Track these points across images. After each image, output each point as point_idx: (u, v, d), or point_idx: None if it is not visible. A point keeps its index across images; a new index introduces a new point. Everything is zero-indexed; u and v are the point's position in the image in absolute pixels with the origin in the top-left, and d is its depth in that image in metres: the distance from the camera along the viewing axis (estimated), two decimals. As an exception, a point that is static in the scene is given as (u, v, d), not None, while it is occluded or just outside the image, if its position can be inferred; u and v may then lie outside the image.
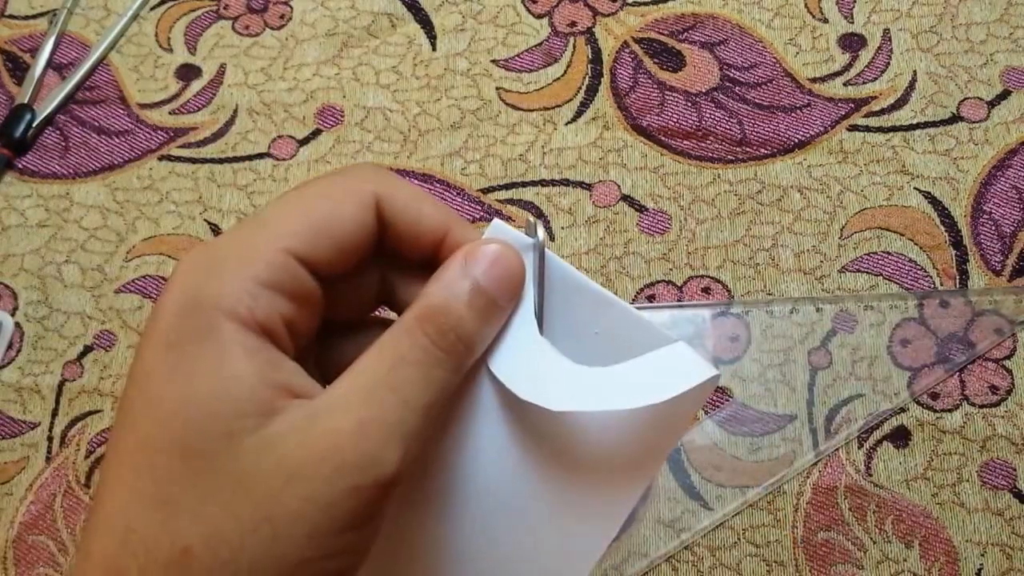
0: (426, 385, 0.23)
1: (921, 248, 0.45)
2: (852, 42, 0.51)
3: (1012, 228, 0.45)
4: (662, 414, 0.26)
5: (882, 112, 0.48)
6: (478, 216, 0.48)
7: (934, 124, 0.48)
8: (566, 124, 0.50)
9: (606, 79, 0.51)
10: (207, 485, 0.21)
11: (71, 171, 0.51)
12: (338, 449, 0.21)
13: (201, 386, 0.21)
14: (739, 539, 0.40)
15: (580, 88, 0.51)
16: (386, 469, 0.22)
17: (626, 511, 0.27)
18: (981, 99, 0.48)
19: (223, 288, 0.22)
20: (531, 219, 0.33)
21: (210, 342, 0.21)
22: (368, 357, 0.23)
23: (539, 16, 0.53)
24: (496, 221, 0.27)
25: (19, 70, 0.54)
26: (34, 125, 0.51)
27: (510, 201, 0.48)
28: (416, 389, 0.23)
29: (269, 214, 0.24)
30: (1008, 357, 0.42)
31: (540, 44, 0.53)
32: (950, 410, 0.41)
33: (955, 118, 0.48)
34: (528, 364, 0.26)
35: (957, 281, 0.44)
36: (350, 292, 0.26)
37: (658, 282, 0.45)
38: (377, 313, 0.29)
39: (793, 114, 0.49)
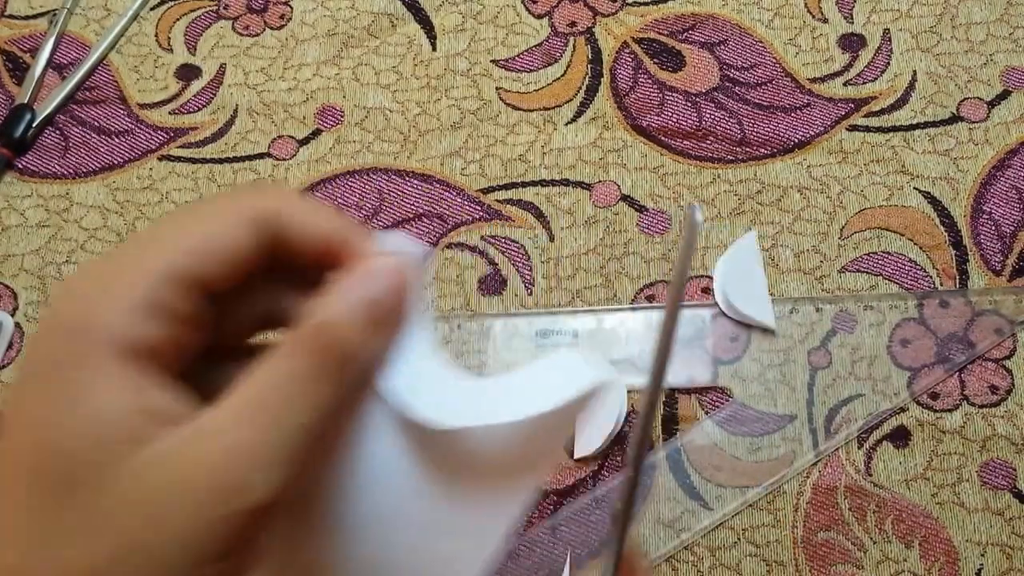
0: (305, 405, 0.22)
1: (921, 248, 0.45)
2: (852, 42, 0.51)
3: (1012, 228, 0.45)
4: (551, 419, 0.25)
5: (882, 112, 0.48)
6: (478, 216, 0.48)
7: (934, 124, 0.48)
8: (566, 124, 0.50)
9: (606, 79, 0.51)
10: (72, 519, 0.20)
11: (71, 171, 0.51)
12: (204, 477, 0.21)
13: (70, 415, 0.20)
14: (739, 539, 0.40)
15: (580, 88, 0.51)
16: (256, 495, 0.21)
17: (513, 519, 0.27)
18: (981, 99, 0.48)
19: (98, 312, 0.21)
20: (686, 205, 0.32)
21: (82, 369, 0.21)
22: (247, 378, 0.22)
23: (539, 16, 0.53)
24: (386, 233, 0.26)
25: (19, 70, 0.54)
26: (34, 125, 0.51)
27: (510, 201, 0.48)
28: (293, 410, 0.22)
29: (147, 235, 0.23)
30: (1008, 357, 0.42)
31: (540, 44, 0.53)
32: (950, 410, 0.41)
33: (955, 118, 0.48)
34: (416, 381, 0.25)
35: (957, 281, 0.44)
36: (240, 313, 0.25)
37: (658, 282, 0.45)
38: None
39: (793, 114, 0.49)
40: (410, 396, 0.25)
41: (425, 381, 0.25)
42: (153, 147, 0.51)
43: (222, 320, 0.25)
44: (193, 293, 0.23)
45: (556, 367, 0.26)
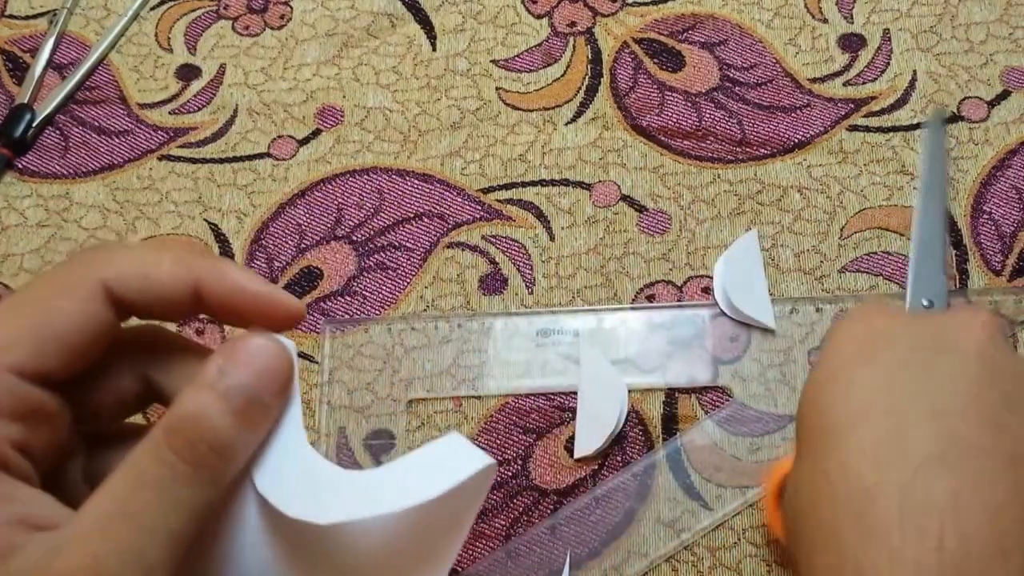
0: (171, 508, 0.21)
1: (921, 248, 0.45)
2: (852, 42, 0.51)
3: (1012, 228, 0.45)
4: (438, 508, 0.24)
5: (882, 112, 0.48)
6: (478, 216, 0.48)
7: (934, 124, 0.48)
8: (566, 124, 0.50)
9: (606, 79, 0.51)
10: None
11: (71, 171, 0.51)
12: None
13: None
14: (739, 539, 0.40)
15: (580, 88, 0.51)
16: None
17: None
18: (981, 99, 0.48)
19: None
20: (935, 109, 0.31)
21: None
22: (112, 479, 0.21)
23: (539, 16, 0.53)
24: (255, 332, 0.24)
25: (19, 70, 0.54)
26: (34, 125, 0.51)
27: (510, 201, 0.48)
28: (158, 514, 0.20)
29: None
30: (1008, 357, 0.42)
31: (540, 44, 0.53)
32: (950, 410, 0.41)
33: (955, 118, 0.48)
34: (293, 474, 0.23)
35: (957, 281, 0.44)
36: (105, 396, 0.24)
37: (658, 282, 0.45)
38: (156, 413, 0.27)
39: (793, 114, 0.49)
40: (287, 491, 0.23)
41: (302, 474, 0.23)
42: (153, 147, 0.51)
43: (85, 406, 0.23)
44: (38, 385, 0.22)
45: (435, 455, 0.24)
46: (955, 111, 0.48)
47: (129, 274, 0.23)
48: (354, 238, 0.47)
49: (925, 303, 0.39)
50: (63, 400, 0.23)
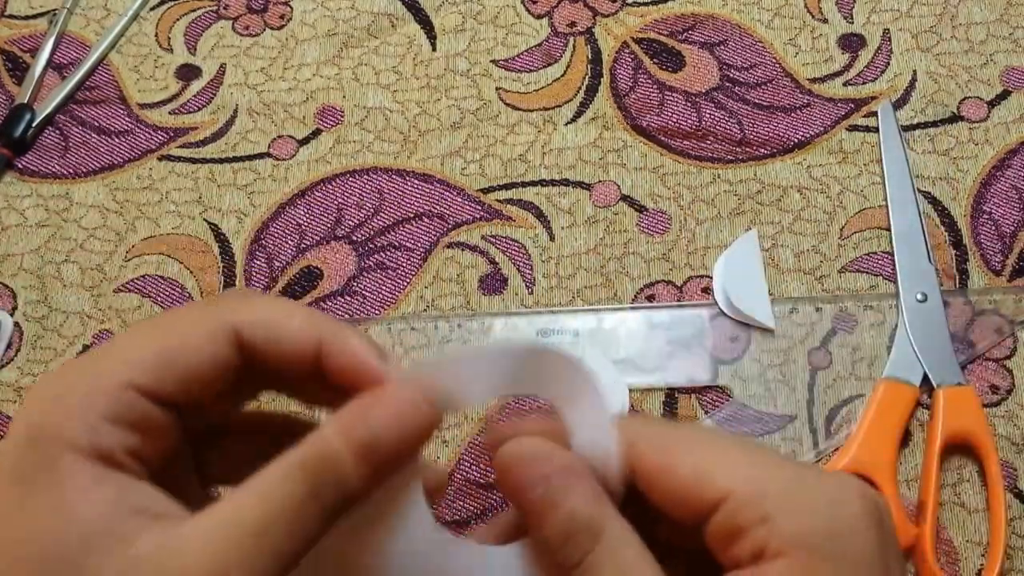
0: (292, 535, 0.22)
1: (921, 248, 0.45)
2: (852, 42, 0.51)
3: (1012, 228, 0.45)
4: None
5: (882, 112, 0.48)
6: (478, 216, 0.48)
7: (934, 124, 0.48)
8: (566, 124, 0.50)
9: (606, 79, 0.51)
10: None
11: (71, 171, 0.51)
12: None
13: (46, 521, 0.21)
14: (739, 539, 0.40)
15: (580, 88, 0.51)
16: None
17: None
18: (981, 99, 0.48)
19: (65, 421, 0.22)
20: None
21: (54, 475, 0.21)
22: (240, 493, 0.22)
23: (539, 16, 0.53)
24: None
25: (19, 70, 0.54)
26: (34, 125, 0.51)
27: (510, 201, 0.48)
28: (280, 538, 0.22)
29: (117, 344, 0.24)
30: (1008, 357, 0.42)
31: (540, 44, 0.53)
32: (950, 410, 0.41)
33: (955, 118, 0.48)
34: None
35: (957, 281, 0.44)
36: (220, 405, 0.26)
37: (658, 282, 0.45)
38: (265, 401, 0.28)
39: (793, 114, 0.49)
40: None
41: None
42: (153, 147, 0.51)
43: (199, 411, 0.24)
44: (157, 405, 0.23)
45: None
46: (955, 111, 0.48)
47: (260, 321, 0.24)
48: (354, 238, 0.47)
49: (919, 298, 0.39)
50: (177, 415, 0.24)
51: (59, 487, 0.21)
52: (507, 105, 0.51)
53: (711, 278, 0.45)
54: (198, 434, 0.26)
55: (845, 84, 0.49)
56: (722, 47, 0.51)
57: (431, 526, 0.25)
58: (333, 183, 0.49)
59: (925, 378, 0.41)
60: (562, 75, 0.51)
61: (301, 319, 0.25)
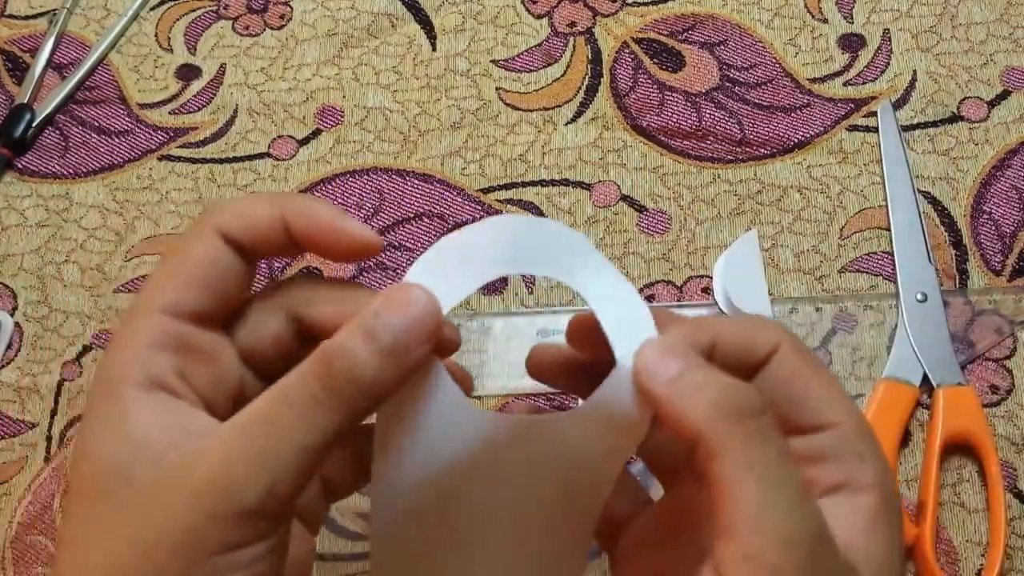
0: (305, 427, 0.23)
1: (921, 248, 0.45)
2: (852, 42, 0.51)
3: (1012, 228, 0.45)
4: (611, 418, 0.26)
5: (882, 112, 0.48)
6: (478, 216, 0.48)
7: (934, 124, 0.48)
8: (566, 124, 0.50)
9: (606, 79, 0.51)
10: (109, 523, 0.24)
11: (71, 171, 0.51)
12: (203, 478, 0.23)
13: (108, 440, 0.24)
14: (739, 539, 0.40)
15: (580, 88, 0.51)
16: (246, 500, 0.23)
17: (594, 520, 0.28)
18: (981, 99, 0.48)
19: (117, 359, 0.25)
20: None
21: (111, 404, 0.24)
22: (262, 396, 0.24)
23: (539, 16, 0.53)
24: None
25: (19, 70, 0.54)
26: (34, 125, 0.51)
27: (510, 201, 0.48)
28: (293, 430, 0.23)
29: (146, 285, 0.26)
30: (1008, 357, 0.42)
31: (540, 44, 0.53)
32: (950, 410, 0.41)
33: (955, 118, 0.48)
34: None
35: (957, 281, 0.44)
36: (261, 335, 0.27)
37: (658, 282, 0.45)
38: None
39: (793, 114, 0.49)
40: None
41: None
42: (153, 147, 0.51)
43: (250, 342, 0.27)
44: (192, 323, 0.26)
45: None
46: (955, 111, 0.48)
47: (235, 215, 0.26)
48: (354, 238, 0.47)
49: (919, 298, 0.39)
50: (221, 338, 0.26)
51: (115, 414, 0.24)
52: (507, 105, 0.51)
53: (711, 278, 0.45)
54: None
55: (845, 84, 0.49)
56: (722, 47, 0.51)
57: (464, 403, 0.26)
58: (333, 183, 0.49)
59: (925, 378, 0.41)
60: (562, 75, 0.51)
61: (265, 202, 0.27)
